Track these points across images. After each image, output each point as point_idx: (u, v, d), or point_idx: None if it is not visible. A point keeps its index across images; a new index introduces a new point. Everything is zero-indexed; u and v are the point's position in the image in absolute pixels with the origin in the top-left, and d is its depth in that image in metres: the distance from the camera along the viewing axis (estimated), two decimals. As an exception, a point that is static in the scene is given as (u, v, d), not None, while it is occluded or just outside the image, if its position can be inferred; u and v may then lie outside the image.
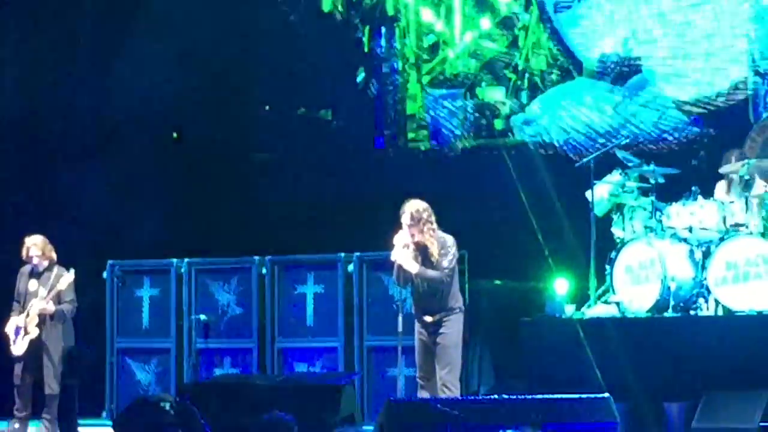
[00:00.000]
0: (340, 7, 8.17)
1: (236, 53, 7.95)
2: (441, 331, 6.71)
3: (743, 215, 7.09)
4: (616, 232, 7.36)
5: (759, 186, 7.03)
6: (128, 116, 8.06)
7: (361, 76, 7.75)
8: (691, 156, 7.33)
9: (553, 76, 7.70)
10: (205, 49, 8.08)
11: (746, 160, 7.13)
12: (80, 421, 6.89)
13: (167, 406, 5.51)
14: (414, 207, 6.71)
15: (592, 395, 6.01)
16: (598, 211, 7.36)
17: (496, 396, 6.73)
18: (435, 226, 6.71)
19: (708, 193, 7.11)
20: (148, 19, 8.12)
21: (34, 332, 6.96)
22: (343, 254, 7.14)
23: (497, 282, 7.27)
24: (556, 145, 7.61)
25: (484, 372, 7.21)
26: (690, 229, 7.09)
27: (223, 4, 8.29)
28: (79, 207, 7.51)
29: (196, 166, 7.90)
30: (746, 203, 7.03)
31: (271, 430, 4.93)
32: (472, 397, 6.72)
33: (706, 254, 6.95)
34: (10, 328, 7.03)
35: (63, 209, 7.52)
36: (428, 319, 6.75)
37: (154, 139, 8.01)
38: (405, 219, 6.69)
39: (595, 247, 7.21)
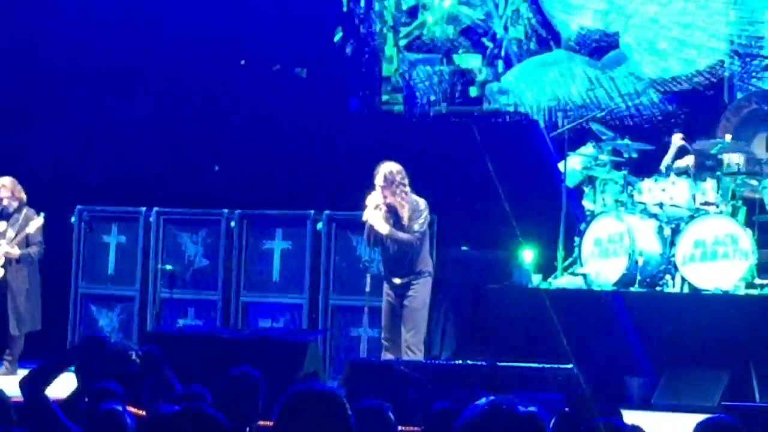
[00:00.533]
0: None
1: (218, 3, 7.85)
2: (409, 293, 6.77)
3: (714, 194, 7.20)
4: (587, 204, 7.42)
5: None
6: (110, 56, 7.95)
7: (338, 36, 7.67)
8: (666, 133, 7.35)
9: (531, 46, 7.67)
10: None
11: (719, 140, 7.23)
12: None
13: (132, 354, 5.48)
14: (387, 169, 6.74)
15: (557, 365, 6.10)
16: (570, 182, 7.42)
17: (459, 361, 6.84)
18: (408, 189, 6.75)
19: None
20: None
21: None
22: (312, 212, 7.11)
23: (465, 248, 7.29)
24: (530, 115, 7.60)
25: (447, 337, 7.24)
26: (660, 206, 7.19)
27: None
28: (50, 152, 7.42)
29: (173, 116, 7.81)
30: (718, 183, 7.13)
31: (238, 383, 4.73)
32: (435, 361, 6.77)
33: (676, 231, 7.06)
34: None
35: (33, 154, 7.42)
36: (396, 281, 6.80)
37: (135, 85, 7.89)
38: (378, 180, 6.71)
39: (564, 219, 7.27)
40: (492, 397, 1.69)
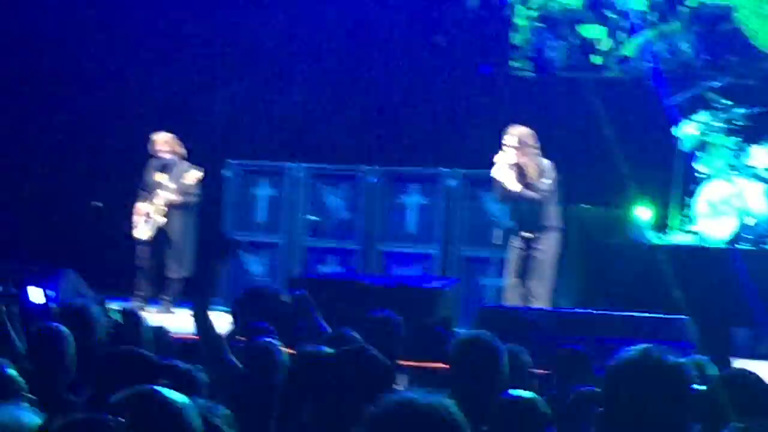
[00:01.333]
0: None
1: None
2: (538, 246, 7.34)
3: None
4: (700, 167, 7.92)
5: None
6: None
7: (473, 4, 8.15)
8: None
9: (652, 17, 8.10)
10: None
11: None
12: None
13: (284, 297, 6.04)
14: (520, 131, 7.28)
15: (671, 316, 6.65)
16: (685, 146, 7.91)
17: (582, 310, 7.40)
18: (537, 151, 7.29)
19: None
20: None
21: (159, 220, 7.58)
22: (447, 169, 7.69)
23: (587, 206, 7.82)
24: (650, 82, 8.07)
25: (571, 289, 7.80)
26: (769, 170, 7.67)
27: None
28: (204, 106, 8.01)
29: (319, 78, 8.34)
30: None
31: (379, 326, 5.16)
32: (561, 310, 7.35)
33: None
34: (137, 214, 7.64)
35: (189, 109, 8.01)
36: (526, 235, 7.37)
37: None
38: (511, 141, 7.24)
39: (680, 180, 7.79)
40: (644, 345, 1.95)
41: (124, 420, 1.81)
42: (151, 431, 1.85)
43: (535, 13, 8.14)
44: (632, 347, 1.95)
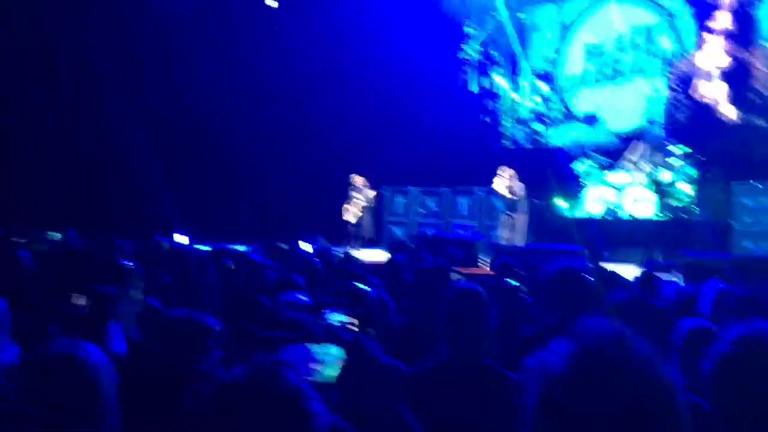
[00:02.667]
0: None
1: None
2: (516, 220, 17.40)
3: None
4: (584, 182, 17.97)
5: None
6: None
7: (485, 118, 18.76)
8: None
9: (563, 119, 18.59)
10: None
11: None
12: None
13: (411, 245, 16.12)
14: (509, 170, 17.35)
15: (576, 247, 16.65)
16: (579, 173, 18.00)
17: (534, 245, 17.46)
18: (516, 178, 17.42)
19: None
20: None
21: (359, 213, 17.86)
22: (477, 186, 17.96)
23: (536, 200, 17.98)
24: (564, 149, 18.39)
25: (530, 237, 17.85)
26: (617, 184, 17.72)
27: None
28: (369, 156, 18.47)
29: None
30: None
31: (452, 254, 14.81)
32: (525, 246, 17.35)
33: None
34: (345, 210, 17.92)
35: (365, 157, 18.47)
36: (511, 214, 17.46)
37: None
38: (505, 173, 17.39)
39: (577, 187, 17.92)
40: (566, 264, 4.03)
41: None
42: None
43: (512, 120, 18.56)
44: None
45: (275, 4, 19.73)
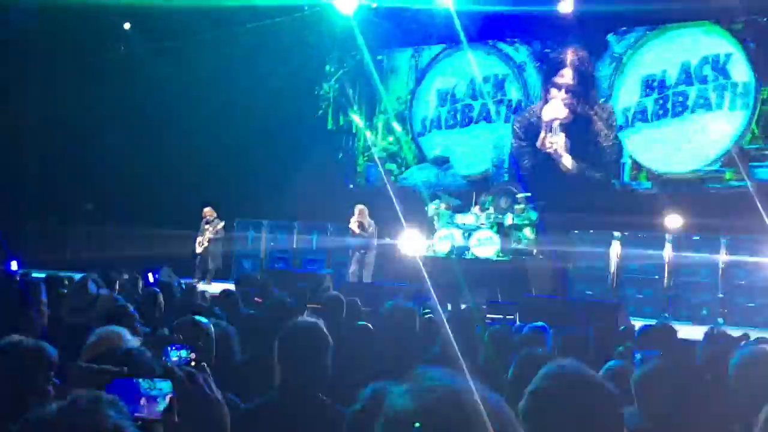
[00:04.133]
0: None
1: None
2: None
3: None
4: (435, 225, 18.47)
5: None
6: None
7: (339, 155, 18.97)
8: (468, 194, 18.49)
9: (414, 161, 19.08)
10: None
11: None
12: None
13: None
14: (360, 208, 17.60)
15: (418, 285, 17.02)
16: (430, 214, 18.50)
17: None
18: (367, 216, 17.65)
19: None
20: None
21: (205, 244, 17.53)
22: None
23: (387, 239, 18.25)
24: (414, 186, 18.85)
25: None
26: (463, 225, 18.26)
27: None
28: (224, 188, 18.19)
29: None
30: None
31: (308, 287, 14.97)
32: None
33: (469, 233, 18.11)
34: (197, 242, 17.57)
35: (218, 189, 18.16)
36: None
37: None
38: (357, 212, 17.57)
39: (426, 228, 18.37)
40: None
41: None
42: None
43: (366, 159, 18.94)
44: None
45: (128, 26, 19.28)
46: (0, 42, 17.03)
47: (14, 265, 10.86)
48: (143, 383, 2.14)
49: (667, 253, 15.46)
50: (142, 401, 2.13)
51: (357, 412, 2.03)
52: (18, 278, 7.00)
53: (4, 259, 10.68)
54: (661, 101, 17.23)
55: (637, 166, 17.51)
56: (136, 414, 2.04)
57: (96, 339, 3.12)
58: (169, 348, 2.53)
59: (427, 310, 7.73)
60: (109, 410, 1.46)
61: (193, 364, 2.68)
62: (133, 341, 3.05)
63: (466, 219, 17.31)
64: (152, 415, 2.14)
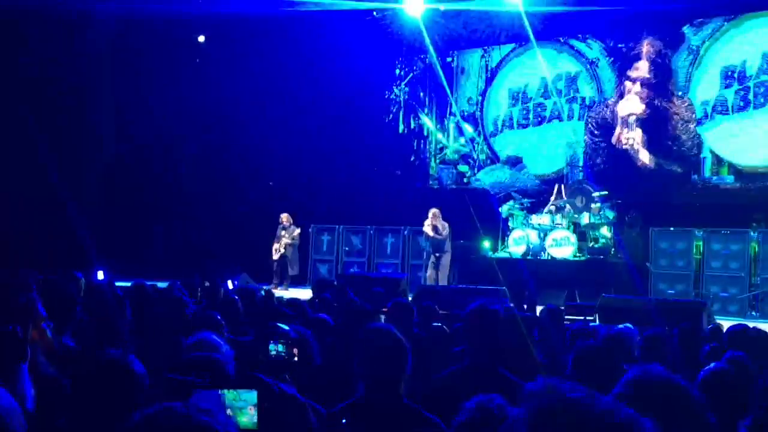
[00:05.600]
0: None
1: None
2: (440, 260, 17.42)
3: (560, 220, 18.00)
4: (510, 224, 18.20)
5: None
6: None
7: (412, 158, 18.93)
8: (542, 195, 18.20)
9: (487, 162, 18.88)
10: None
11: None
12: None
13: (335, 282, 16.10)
14: (434, 210, 17.48)
15: (499, 287, 16.74)
16: (503, 215, 18.23)
17: (459, 286, 17.51)
18: (441, 217, 17.55)
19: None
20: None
21: (282, 250, 17.74)
22: (403, 226, 18.05)
23: (462, 241, 18.10)
24: (486, 189, 18.67)
25: (455, 278, 17.96)
26: (539, 225, 17.92)
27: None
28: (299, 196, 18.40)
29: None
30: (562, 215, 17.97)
31: (377, 295, 14.86)
32: (452, 287, 17.42)
33: (545, 234, 17.79)
34: (274, 248, 17.80)
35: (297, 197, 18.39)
36: (437, 254, 17.46)
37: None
38: (432, 214, 17.51)
39: (500, 229, 18.08)
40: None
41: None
42: None
43: (438, 161, 18.87)
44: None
45: (202, 39, 19.66)
46: (78, 55, 17.55)
47: (101, 275, 11.14)
48: (228, 394, 2.16)
49: (752, 248, 14.93)
50: (228, 412, 2.14)
51: (462, 424, 1.97)
52: (105, 288, 7.18)
53: (91, 269, 10.97)
54: (742, 92, 16.68)
55: (718, 161, 16.97)
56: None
57: (191, 347, 3.16)
58: (270, 342, 2.54)
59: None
60: (205, 417, 1.47)
61: (294, 357, 2.70)
62: (227, 349, 3.09)
63: (542, 219, 17.07)
64: (242, 427, 2.15)
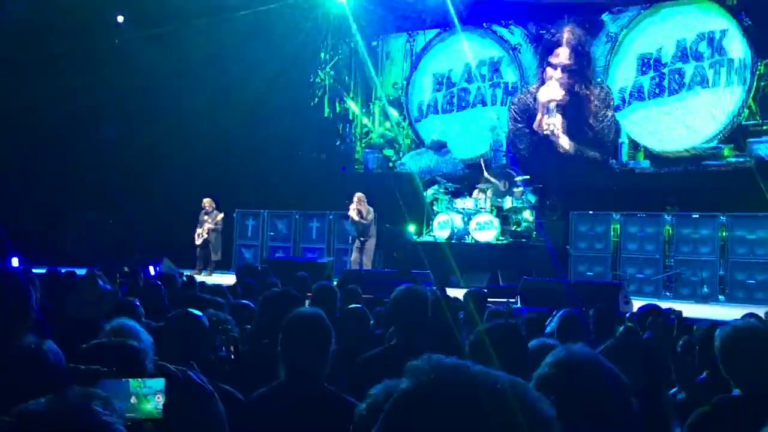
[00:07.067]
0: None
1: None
2: (365, 245, 17.51)
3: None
4: (435, 208, 18.37)
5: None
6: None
7: (338, 142, 18.87)
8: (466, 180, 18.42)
9: (412, 146, 18.97)
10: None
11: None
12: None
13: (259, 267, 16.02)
14: (359, 195, 17.53)
15: (424, 271, 16.88)
16: (428, 199, 18.39)
17: (382, 270, 17.59)
18: (365, 202, 17.58)
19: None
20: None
21: (204, 236, 17.51)
22: (329, 211, 18.01)
23: (387, 225, 18.19)
24: (412, 173, 18.78)
25: (380, 261, 18.03)
26: (463, 209, 18.15)
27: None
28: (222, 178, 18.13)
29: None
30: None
31: (300, 280, 14.89)
32: (376, 270, 17.54)
33: (469, 218, 18.03)
34: (196, 234, 17.55)
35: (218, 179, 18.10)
36: (362, 239, 17.54)
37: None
38: (357, 198, 17.51)
39: (425, 213, 18.23)
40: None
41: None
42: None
43: (364, 145, 18.89)
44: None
45: (121, 19, 19.17)
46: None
47: (15, 262, 10.83)
48: (133, 383, 2.15)
49: (667, 231, 15.45)
50: (132, 400, 2.14)
51: (367, 408, 2.02)
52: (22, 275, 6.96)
53: (4, 256, 10.65)
54: (657, 79, 17.17)
55: (634, 146, 17.47)
56: (126, 414, 2.04)
57: (108, 334, 3.11)
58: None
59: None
60: (98, 406, 1.45)
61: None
62: (146, 336, 3.04)
63: (466, 203, 17.31)
64: (145, 415, 2.14)
